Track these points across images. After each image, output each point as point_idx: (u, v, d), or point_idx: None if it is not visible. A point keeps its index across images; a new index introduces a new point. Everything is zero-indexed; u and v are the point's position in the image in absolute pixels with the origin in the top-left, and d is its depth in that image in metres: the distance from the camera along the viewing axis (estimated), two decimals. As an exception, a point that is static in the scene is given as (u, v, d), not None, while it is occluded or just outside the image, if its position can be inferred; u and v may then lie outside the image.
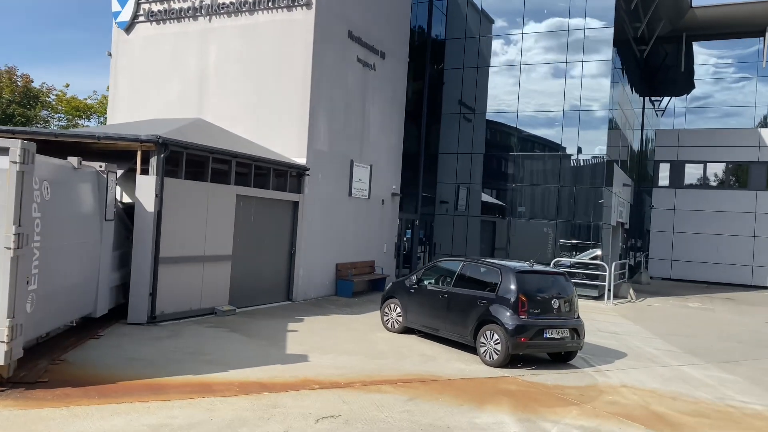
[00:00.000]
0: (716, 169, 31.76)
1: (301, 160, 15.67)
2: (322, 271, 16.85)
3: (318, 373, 8.91)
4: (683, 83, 35.23)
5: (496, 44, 23.17)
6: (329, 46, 16.46)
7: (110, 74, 18.66)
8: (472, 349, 10.81)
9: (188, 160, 12.87)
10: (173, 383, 7.95)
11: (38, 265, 7.72)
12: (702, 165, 31.94)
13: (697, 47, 34.61)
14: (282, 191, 15.21)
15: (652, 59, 31.81)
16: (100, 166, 10.15)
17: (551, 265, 20.13)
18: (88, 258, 9.81)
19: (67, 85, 44.61)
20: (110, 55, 18.64)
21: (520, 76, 22.52)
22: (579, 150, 21.49)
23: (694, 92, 35.94)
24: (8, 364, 7.27)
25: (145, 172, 11.56)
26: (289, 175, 15.31)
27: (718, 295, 24.87)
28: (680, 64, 31.97)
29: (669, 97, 36.78)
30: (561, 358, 10.97)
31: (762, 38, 31.08)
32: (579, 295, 20.14)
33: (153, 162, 11.43)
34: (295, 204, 15.64)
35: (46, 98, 36.92)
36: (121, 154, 12.01)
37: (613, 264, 19.87)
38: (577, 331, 10.59)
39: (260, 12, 16.42)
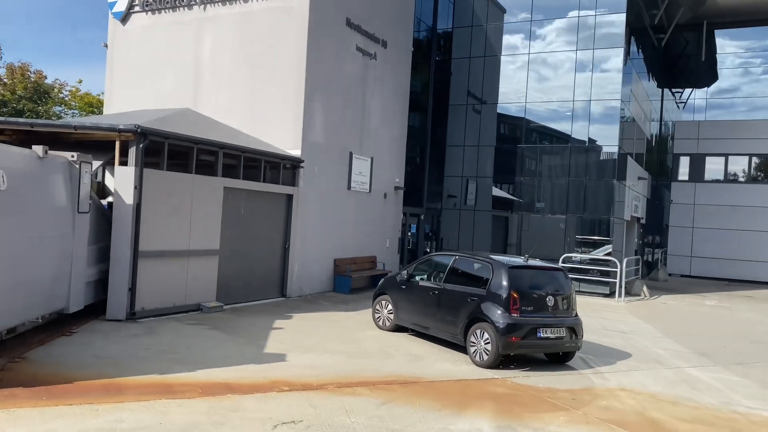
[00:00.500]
0: (738, 162, 30.66)
1: (296, 152, 15.16)
2: (318, 267, 16.35)
3: (292, 374, 8.39)
4: (705, 74, 34.01)
5: (506, 33, 22.42)
6: (326, 34, 15.92)
7: (106, 66, 18.34)
8: (464, 349, 10.20)
9: (172, 151, 12.43)
10: (133, 384, 7.49)
11: (-10, 257, 7.31)
12: (723, 158, 30.87)
13: (723, 39, 33.43)
14: (275, 184, 14.73)
15: (672, 49, 30.66)
16: (72, 156, 9.74)
17: (560, 261, 19.43)
18: (58, 251, 9.40)
19: (80, 81, 44.77)
20: (106, 46, 18.32)
21: (529, 65, 21.76)
22: (590, 141, 20.69)
23: (720, 85, 34.74)
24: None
25: (124, 163, 11.14)
26: (282, 168, 14.82)
27: (738, 293, 23.89)
28: (701, 54, 30.78)
29: (691, 89, 35.66)
30: (558, 358, 10.32)
31: (788, 26, 29.90)
32: (589, 293, 19.73)
33: (132, 152, 10.99)
34: (289, 197, 15.14)
35: (59, 94, 36.99)
36: (105, 145, 11.59)
37: (625, 260, 19.08)
38: (574, 331, 9.92)
39: (255, 0, 15.93)
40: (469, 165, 22.82)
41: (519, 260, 10.44)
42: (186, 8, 16.82)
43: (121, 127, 10.83)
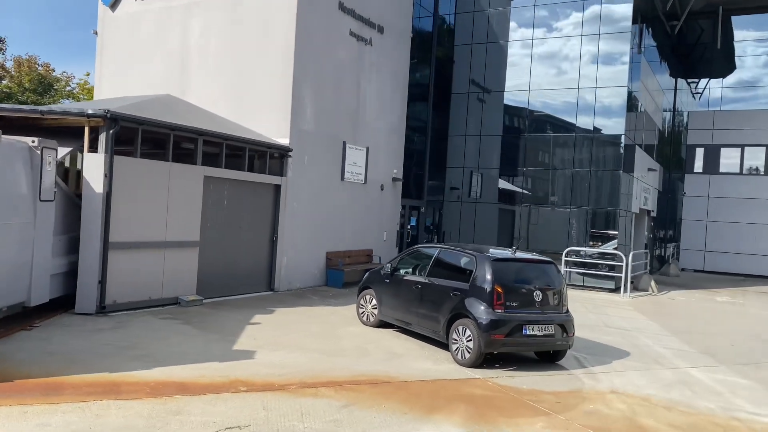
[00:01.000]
0: (755, 154, 29.56)
1: (284, 141, 14.60)
2: (309, 260, 15.79)
3: (255, 373, 7.84)
4: (722, 64, 32.86)
5: (510, 19, 21.62)
6: (316, 18, 15.31)
7: (96, 54, 17.89)
8: (447, 347, 9.59)
9: (150, 138, 11.96)
10: (78, 382, 6.98)
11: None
12: (739, 149, 29.79)
13: (745, 31, 32.21)
14: (261, 173, 14.19)
15: (686, 37, 29.59)
16: (33, 142, 9.25)
17: (564, 255, 18.72)
18: (16, 241, 8.93)
19: (88, 74, 44.40)
20: (96, 33, 17.87)
21: (532, 52, 20.96)
22: (595, 131, 19.87)
23: (740, 77, 33.53)
24: None
25: (95, 150, 10.65)
26: (269, 156, 14.27)
27: (753, 289, 22.98)
28: (716, 41, 29.68)
29: (707, 80, 34.52)
30: (549, 357, 9.67)
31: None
32: (594, 288, 18.95)
33: (102, 138, 10.49)
34: (277, 187, 14.59)
35: (66, 87, 36.87)
36: (81, 132, 11.09)
37: (631, 254, 18.29)
38: (564, 328, 9.25)
39: (244, -17, 15.38)
40: (471, 156, 22.09)
41: (506, 252, 9.78)
42: (174, -7, 16.30)
43: (89, 112, 10.34)
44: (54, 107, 10.68)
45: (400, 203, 19.92)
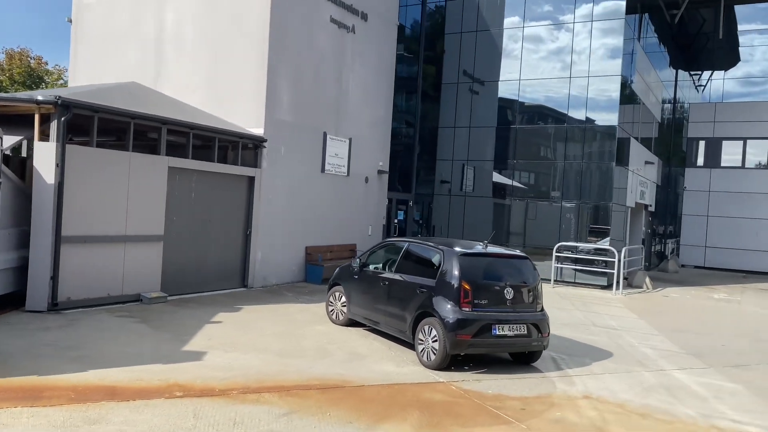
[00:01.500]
0: (757, 147, 28.77)
1: (259, 131, 14.02)
2: (287, 255, 15.22)
3: (198, 376, 7.27)
4: (725, 55, 32.01)
5: (501, 5, 20.90)
6: (294, 3, 14.71)
7: (71, 42, 17.34)
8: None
9: (112, 128, 11.42)
10: (-2, 387, 6.44)
11: None
12: (741, 142, 28.99)
13: (752, 24, 31.34)
14: (234, 165, 13.62)
15: (688, 26, 28.78)
16: (-29, 129, 8.71)
17: (554, 251, 18.09)
18: (-48, 235, 8.40)
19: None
20: (70, 21, 17.32)
21: (524, 40, 20.27)
22: (588, 121, 19.16)
23: (747, 70, 32.64)
24: None
25: (47, 139, 10.09)
26: (241, 147, 13.69)
27: (753, 286, 22.28)
28: (718, 31, 28.85)
29: (710, 72, 33.69)
30: (524, 358, 9.07)
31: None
32: (585, 284, 18.26)
33: (53, 126, 9.94)
34: (251, 179, 14.01)
35: (58, 80, 36.43)
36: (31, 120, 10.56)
37: (624, 249, 17.63)
38: (538, 328, 8.63)
39: (218, -33, 14.78)
40: (462, 148, 21.43)
41: (477, 247, 9.17)
42: (148, -22, 15.72)
43: (39, 98, 9.79)
44: (4, 95, 10.10)
45: (386, 196, 19.32)
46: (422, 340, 8.56)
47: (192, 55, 15.06)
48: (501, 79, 20.67)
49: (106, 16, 16.57)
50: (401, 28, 19.45)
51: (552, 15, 20.02)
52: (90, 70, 16.79)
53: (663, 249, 28.65)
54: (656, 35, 25.33)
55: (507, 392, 7.60)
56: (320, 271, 15.51)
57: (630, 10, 19.87)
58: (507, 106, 20.77)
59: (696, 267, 28.84)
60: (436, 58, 22.00)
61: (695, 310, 15.85)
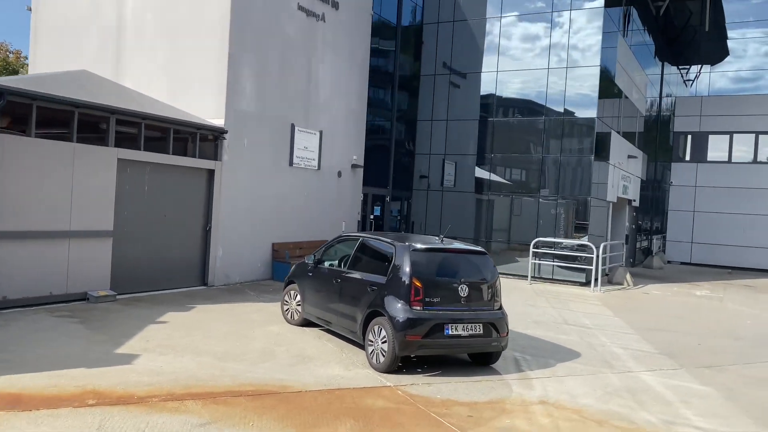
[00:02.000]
0: (744, 141, 28.32)
1: (219, 121, 13.43)
2: (252, 252, 14.64)
3: (120, 382, 6.70)
4: (713, 49, 31.50)
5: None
6: (257, -10, 14.13)
7: (30, 31, 16.70)
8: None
9: (56, 117, 10.80)
10: None
11: None
12: (728, 136, 28.54)
13: (744, 20, 30.83)
14: (191, 157, 13.02)
15: (674, 19, 28.29)
16: None
17: (531, 246, 17.59)
18: None
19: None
20: (30, 9, 16.68)
21: (501, 30, 19.71)
22: (567, 114, 18.62)
23: (740, 66, 32.08)
24: None
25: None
26: (199, 138, 13.10)
27: (737, 282, 21.83)
28: (704, 24, 28.36)
29: (699, 66, 33.19)
30: (483, 359, 8.54)
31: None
32: (563, 281, 17.75)
33: (-15, 115, 9.35)
34: (211, 172, 13.42)
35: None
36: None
37: (602, 245, 17.13)
38: (495, 327, 8.09)
39: (179, -48, 14.17)
40: (439, 143, 20.86)
41: (432, 241, 8.62)
42: (107, -36, 15.09)
43: (-31, 84, 9.18)
44: (-69, 81, 9.50)
45: (361, 191, 18.75)
46: (372, 341, 8.02)
47: (152, 44, 14.46)
48: (480, 70, 20.11)
49: (66, 4, 15.95)
50: (376, 18, 18.87)
51: (531, 5, 19.47)
52: (50, 60, 16.16)
53: (649, 245, 28.20)
54: (642, 28, 24.81)
55: (457, 397, 7.07)
56: (287, 269, 14.85)
57: (613, 2, 19.37)
58: (486, 98, 20.21)
59: (682, 263, 28.41)
60: (414, 50, 21.44)
61: (675, 307, 15.36)
